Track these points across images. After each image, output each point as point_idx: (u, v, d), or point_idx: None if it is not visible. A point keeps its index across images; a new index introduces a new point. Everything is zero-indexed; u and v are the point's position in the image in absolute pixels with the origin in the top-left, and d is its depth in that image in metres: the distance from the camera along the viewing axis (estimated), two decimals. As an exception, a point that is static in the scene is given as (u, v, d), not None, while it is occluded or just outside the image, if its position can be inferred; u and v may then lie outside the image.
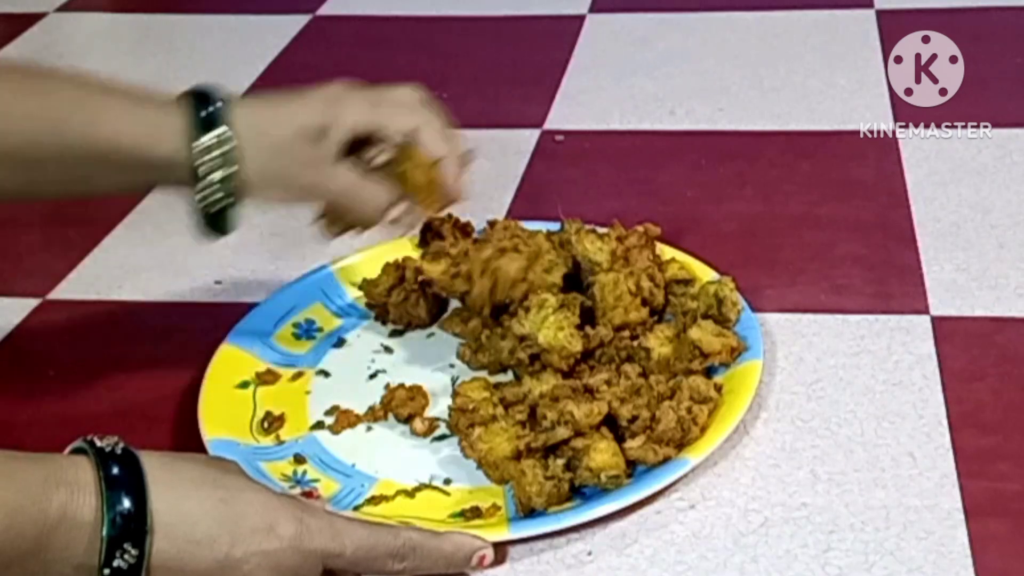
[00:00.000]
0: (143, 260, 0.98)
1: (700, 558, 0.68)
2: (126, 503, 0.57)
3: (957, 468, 0.73)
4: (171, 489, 0.59)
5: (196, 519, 0.59)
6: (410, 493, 0.73)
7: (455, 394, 0.76)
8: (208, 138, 0.72)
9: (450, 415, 0.76)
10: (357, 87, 0.79)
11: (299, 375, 0.83)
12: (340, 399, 0.81)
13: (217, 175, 0.72)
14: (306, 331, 0.87)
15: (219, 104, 0.73)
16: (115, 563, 0.57)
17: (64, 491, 0.57)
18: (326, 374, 0.84)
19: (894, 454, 0.74)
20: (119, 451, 0.59)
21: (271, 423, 0.79)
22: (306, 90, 0.77)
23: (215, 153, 0.72)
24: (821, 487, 0.72)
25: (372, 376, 0.83)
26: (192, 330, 0.89)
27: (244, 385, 0.81)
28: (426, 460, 0.76)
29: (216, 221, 0.74)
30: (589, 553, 0.69)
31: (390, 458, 0.76)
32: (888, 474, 0.73)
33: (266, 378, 0.82)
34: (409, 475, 0.75)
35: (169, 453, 0.62)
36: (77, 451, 0.60)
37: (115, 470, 0.58)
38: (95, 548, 0.57)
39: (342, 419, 0.79)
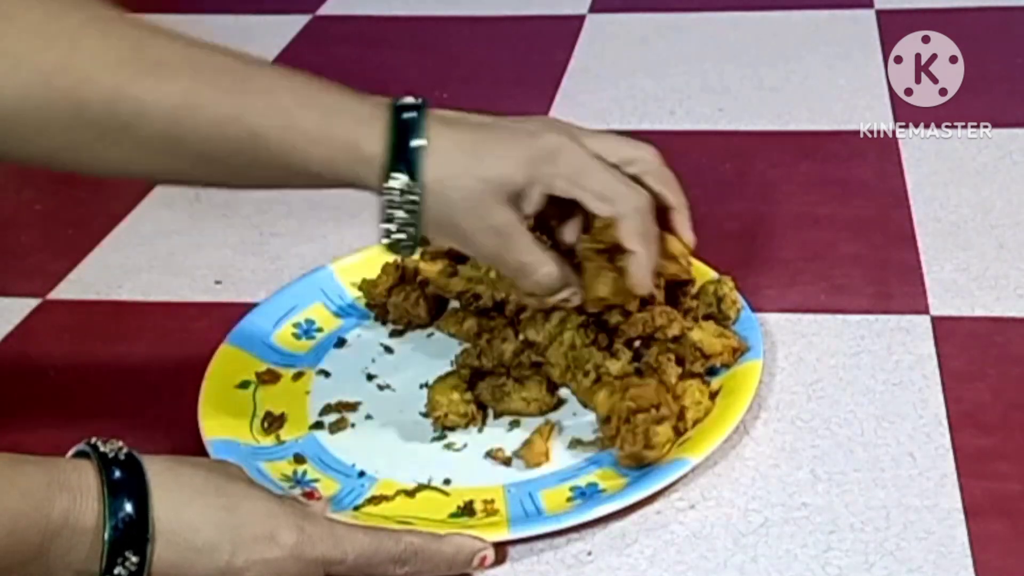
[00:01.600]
0: (143, 260, 0.98)
1: (700, 558, 0.68)
2: (128, 509, 0.57)
3: (957, 468, 0.73)
4: (173, 495, 0.59)
5: (198, 526, 0.59)
6: (410, 493, 0.73)
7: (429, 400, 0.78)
8: (398, 183, 0.67)
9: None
10: (574, 135, 0.70)
11: (299, 375, 0.83)
12: (340, 399, 0.81)
13: (400, 216, 0.68)
14: (306, 331, 0.87)
15: (416, 139, 0.67)
16: (116, 570, 0.57)
17: (67, 496, 0.57)
18: (326, 374, 0.84)
19: (894, 454, 0.74)
20: (122, 456, 0.59)
21: (271, 423, 0.79)
22: (516, 128, 0.70)
23: (401, 199, 0.67)
24: (821, 487, 0.72)
25: (371, 377, 0.83)
26: (192, 330, 0.89)
27: (244, 385, 0.81)
28: (426, 460, 0.76)
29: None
30: (589, 553, 0.69)
31: (390, 458, 0.76)
32: (888, 474, 0.73)
33: (266, 378, 0.82)
34: (409, 475, 0.75)
35: (172, 457, 0.62)
36: (80, 454, 0.60)
37: (118, 475, 0.58)
38: (97, 554, 0.57)
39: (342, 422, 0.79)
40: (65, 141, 0.66)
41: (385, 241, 0.69)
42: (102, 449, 0.59)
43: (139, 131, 0.65)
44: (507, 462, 0.75)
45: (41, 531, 0.56)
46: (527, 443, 0.75)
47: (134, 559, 0.57)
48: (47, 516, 0.56)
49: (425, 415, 0.79)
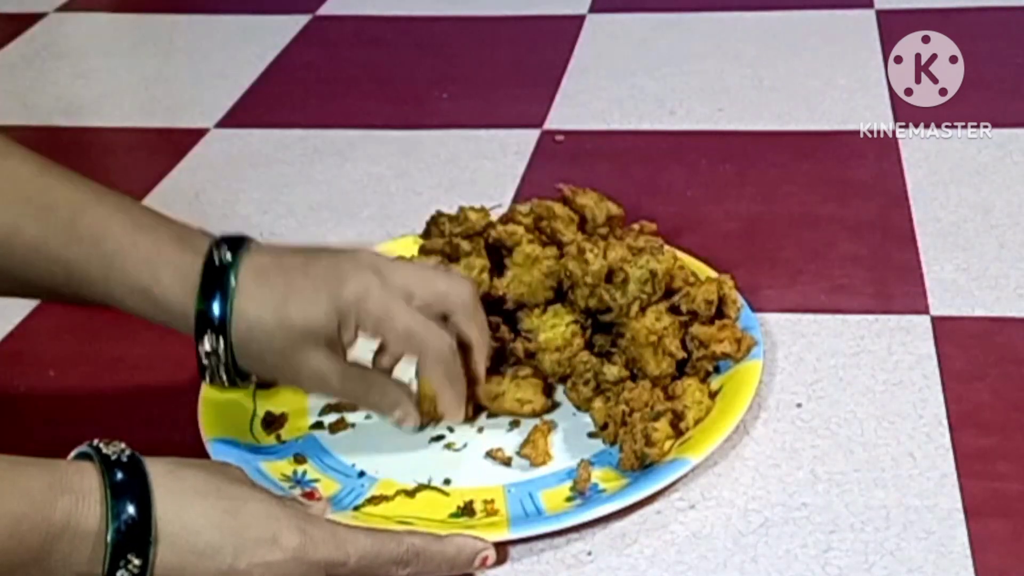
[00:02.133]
0: (143, 260, 0.98)
1: (700, 558, 0.68)
2: (131, 511, 0.57)
3: (957, 468, 0.73)
4: (175, 498, 0.59)
5: (200, 529, 0.59)
6: (410, 493, 0.73)
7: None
8: (209, 342, 0.71)
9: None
10: (384, 275, 0.73)
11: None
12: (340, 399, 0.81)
13: (218, 372, 0.73)
14: (306, 331, 0.87)
15: (225, 296, 0.70)
16: (119, 573, 0.57)
17: (69, 498, 0.57)
18: (326, 374, 0.83)
19: (894, 454, 0.74)
20: (124, 458, 0.59)
21: (271, 423, 0.79)
22: (326, 273, 0.72)
23: (214, 357, 0.72)
24: (821, 487, 0.72)
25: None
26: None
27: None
28: (426, 460, 0.76)
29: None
30: (589, 553, 0.69)
31: (390, 458, 0.76)
32: (888, 474, 0.73)
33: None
34: (409, 475, 0.75)
35: (174, 459, 0.62)
36: (82, 455, 0.60)
37: (120, 477, 0.58)
38: (99, 557, 0.57)
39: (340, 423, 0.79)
40: None
41: (207, 382, 0.74)
42: (104, 451, 0.59)
43: None
44: (507, 462, 0.75)
45: (43, 533, 0.56)
46: (530, 442, 0.75)
47: (136, 561, 0.57)
48: (49, 518, 0.56)
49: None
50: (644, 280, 0.78)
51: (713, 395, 0.77)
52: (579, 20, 1.37)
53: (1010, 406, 0.78)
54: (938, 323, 0.85)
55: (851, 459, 0.74)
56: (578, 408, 0.79)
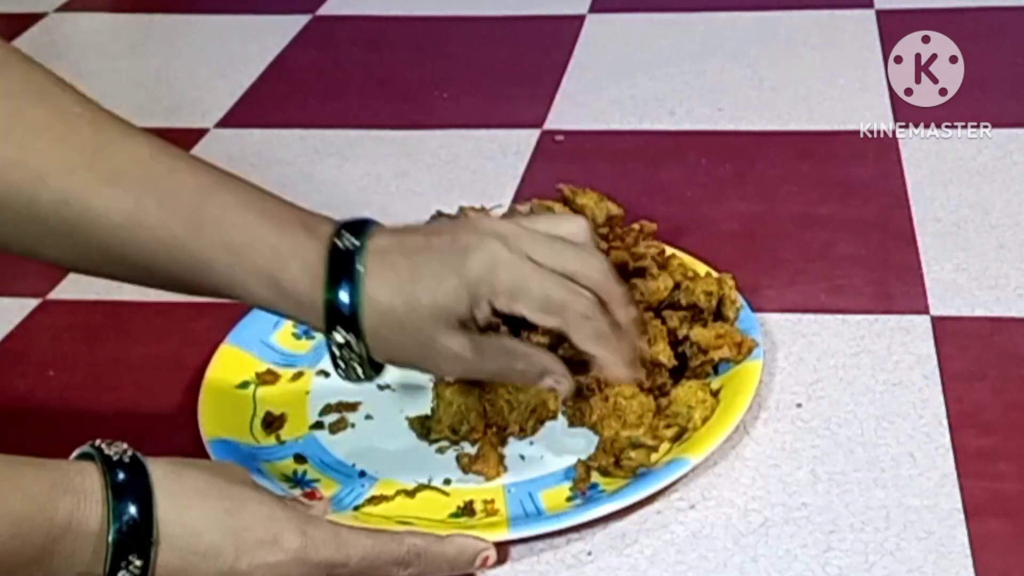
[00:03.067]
0: (143, 260, 0.98)
1: (700, 558, 0.68)
2: (132, 512, 0.57)
3: (957, 468, 0.73)
4: (177, 499, 0.59)
5: (201, 530, 0.59)
6: (410, 493, 0.73)
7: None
8: (340, 337, 0.67)
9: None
10: (511, 243, 0.67)
11: (299, 375, 0.83)
12: (340, 399, 0.81)
13: (352, 363, 0.69)
14: (306, 331, 0.87)
15: (353, 285, 0.66)
16: (120, 573, 0.57)
17: (71, 499, 0.56)
18: (326, 374, 0.83)
19: (894, 454, 0.74)
20: (126, 459, 0.59)
21: (271, 423, 0.79)
22: (451, 246, 0.67)
23: (347, 349, 0.68)
24: (821, 487, 0.72)
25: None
26: (192, 330, 0.89)
27: (244, 385, 0.81)
28: (426, 460, 0.76)
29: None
30: (589, 553, 0.69)
31: (390, 458, 0.76)
32: (888, 474, 0.73)
33: (266, 378, 0.82)
34: (409, 475, 0.75)
35: (176, 460, 0.62)
36: (84, 456, 0.60)
37: (121, 477, 0.58)
38: (100, 557, 0.57)
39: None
40: (16, 231, 0.67)
41: (343, 376, 0.70)
42: (106, 452, 0.59)
43: (85, 238, 0.66)
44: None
45: (44, 534, 0.56)
46: (480, 457, 0.75)
47: (138, 563, 0.57)
48: (51, 519, 0.56)
49: (428, 417, 0.78)
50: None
51: (714, 395, 0.77)
52: (579, 20, 1.37)
53: (1010, 406, 0.78)
54: (938, 323, 0.85)
55: (851, 459, 0.74)
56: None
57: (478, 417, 0.76)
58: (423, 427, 0.77)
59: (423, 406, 0.79)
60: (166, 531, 0.58)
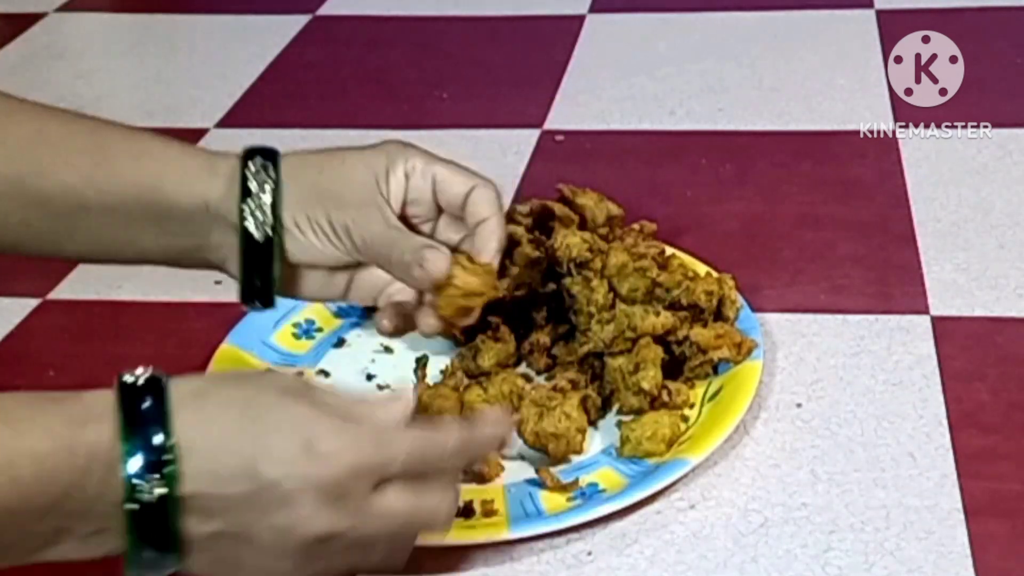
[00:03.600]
0: (143, 260, 0.98)
1: (700, 558, 0.68)
2: (150, 434, 0.55)
3: (957, 468, 0.73)
4: (198, 416, 0.57)
5: (226, 445, 0.56)
6: (410, 493, 0.73)
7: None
8: (258, 162, 0.72)
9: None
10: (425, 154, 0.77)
11: (299, 375, 0.83)
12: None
13: (266, 195, 0.72)
14: (306, 331, 0.87)
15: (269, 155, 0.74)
16: (140, 497, 0.55)
17: (92, 429, 0.55)
18: (326, 374, 0.84)
19: (894, 454, 0.74)
20: (143, 382, 0.58)
21: (271, 423, 0.79)
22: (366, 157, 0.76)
23: (264, 175, 0.72)
24: (821, 487, 0.72)
25: (370, 377, 0.83)
26: (192, 330, 0.89)
27: (244, 385, 0.81)
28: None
29: (261, 284, 0.75)
30: (589, 553, 0.69)
31: (390, 458, 0.76)
32: (888, 474, 0.73)
33: (266, 378, 0.82)
34: (409, 475, 0.74)
35: (203, 377, 0.61)
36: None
37: (140, 404, 0.56)
38: (123, 484, 0.55)
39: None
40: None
41: (248, 226, 0.73)
42: (124, 378, 0.58)
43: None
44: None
45: (69, 468, 0.54)
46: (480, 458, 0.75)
47: (159, 486, 0.55)
48: (73, 452, 0.54)
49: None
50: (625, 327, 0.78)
51: (714, 395, 0.77)
52: (579, 20, 1.37)
53: (1010, 406, 0.78)
54: (938, 323, 0.85)
55: (851, 459, 0.74)
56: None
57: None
58: None
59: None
60: (188, 450, 0.56)
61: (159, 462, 0.55)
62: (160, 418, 0.56)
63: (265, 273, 0.75)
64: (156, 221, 0.73)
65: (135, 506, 0.55)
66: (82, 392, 0.58)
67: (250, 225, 0.73)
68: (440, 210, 0.78)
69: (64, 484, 0.54)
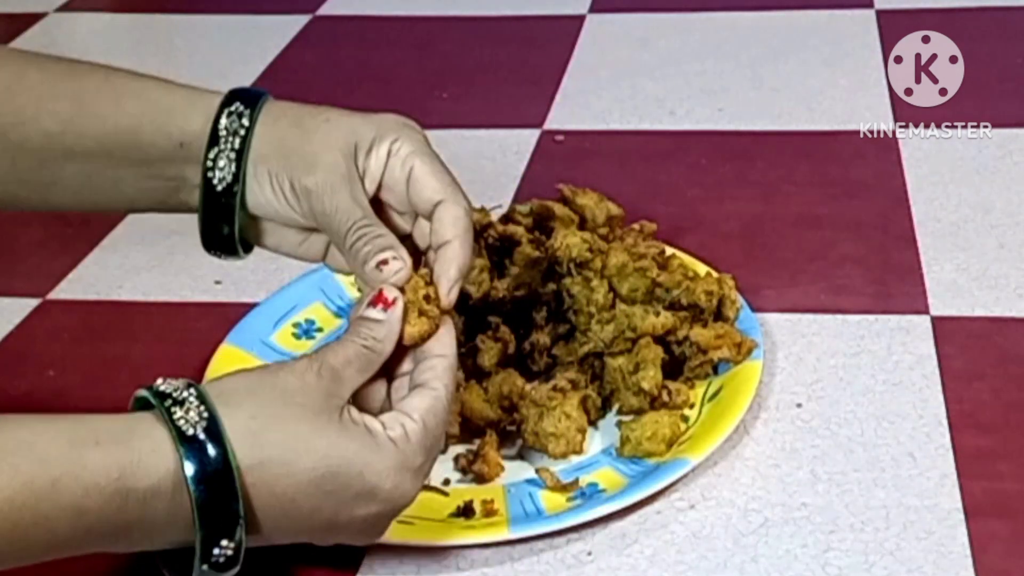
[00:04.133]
0: (143, 260, 0.98)
1: (700, 558, 0.68)
2: (215, 502, 0.55)
3: (957, 468, 0.73)
4: (263, 474, 0.57)
5: (295, 498, 0.58)
6: (410, 493, 0.73)
7: None
8: (236, 107, 0.68)
9: None
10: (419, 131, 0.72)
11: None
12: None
13: (234, 142, 0.68)
14: (306, 331, 0.87)
15: (252, 99, 0.69)
16: (213, 559, 0.56)
17: (142, 496, 0.55)
18: (326, 374, 0.83)
19: (894, 454, 0.74)
20: (203, 434, 0.56)
21: (271, 423, 0.79)
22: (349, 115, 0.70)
23: (237, 122, 0.68)
24: (821, 487, 0.72)
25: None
26: (192, 330, 0.89)
27: (244, 385, 0.81)
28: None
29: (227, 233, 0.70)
30: (589, 553, 0.69)
31: (390, 458, 0.76)
32: (888, 474, 0.73)
33: (266, 378, 0.82)
34: (409, 475, 0.74)
35: (257, 404, 0.58)
36: (148, 404, 0.58)
37: (200, 465, 0.55)
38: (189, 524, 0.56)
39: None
40: None
41: (211, 174, 0.69)
42: (180, 423, 0.56)
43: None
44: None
45: (112, 525, 0.55)
46: (480, 457, 0.75)
47: (230, 546, 0.56)
48: (119, 516, 0.54)
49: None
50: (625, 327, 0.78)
51: (714, 395, 0.77)
52: (579, 20, 1.37)
53: (1010, 406, 0.78)
54: (938, 323, 0.85)
55: (851, 459, 0.74)
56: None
57: (453, 420, 0.76)
58: None
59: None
60: (257, 504, 0.56)
61: (231, 533, 0.56)
62: (229, 490, 0.56)
63: (229, 223, 0.69)
64: (137, 164, 0.70)
65: (206, 567, 0.56)
66: (131, 435, 0.57)
67: (212, 173, 0.68)
68: None
69: (106, 533, 0.55)
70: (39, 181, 0.70)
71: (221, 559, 0.56)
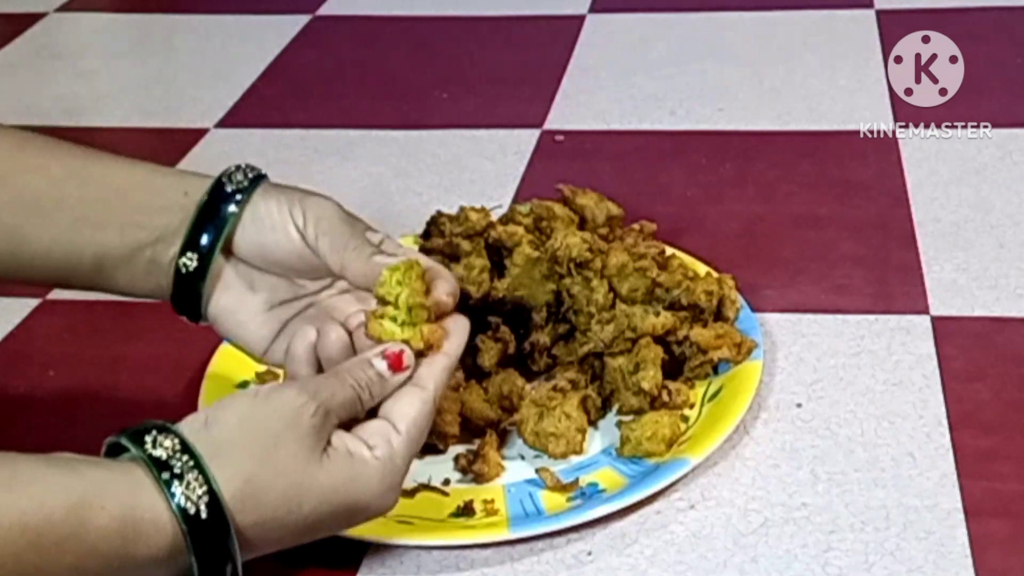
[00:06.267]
0: (143, 260, 0.98)
1: (700, 558, 0.68)
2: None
3: (957, 468, 0.73)
4: (256, 529, 0.59)
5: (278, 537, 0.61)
6: (410, 493, 0.73)
7: None
8: (234, 168, 0.71)
9: None
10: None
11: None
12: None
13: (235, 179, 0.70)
14: (306, 331, 0.87)
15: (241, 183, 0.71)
16: None
17: (143, 548, 0.56)
18: (326, 374, 0.83)
19: (894, 454, 0.74)
20: (202, 505, 0.57)
21: (271, 423, 0.79)
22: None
23: (241, 172, 0.71)
24: (821, 487, 0.72)
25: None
26: (192, 330, 0.89)
27: (244, 385, 0.81)
28: (425, 460, 0.76)
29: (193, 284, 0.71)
30: (589, 553, 0.69)
31: (390, 458, 0.76)
32: (888, 474, 0.73)
33: (266, 378, 0.82)
34: (409, 476, 0.74)
35: (247, 457, 0.59)
36: (141, 462, 0.58)
37: (204, 548, 0.57)
38: None
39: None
40: None
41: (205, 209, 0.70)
42: (184, 504, 0.57)
43: None
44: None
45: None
46: (480, 457, 0.75)
47: None
48: (123, 568, 0.56)
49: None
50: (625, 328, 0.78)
51: (714, 396, 0.77)
52: (579, 20, 1.37)
53: (1010, 406, 0.78)
54: (938, 323, 0.85)
55: (851, 459, 0.74)
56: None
57: (452, 422, 0.76)
58: None
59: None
60: (246, 547, 0.59)
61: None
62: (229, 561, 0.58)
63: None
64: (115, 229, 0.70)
65: None
66: (135, 510, 0.56)
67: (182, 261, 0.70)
68: None
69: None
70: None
71: None
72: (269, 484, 0.59)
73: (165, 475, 0.57)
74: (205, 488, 0.57)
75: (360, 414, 0.63)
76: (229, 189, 0.70)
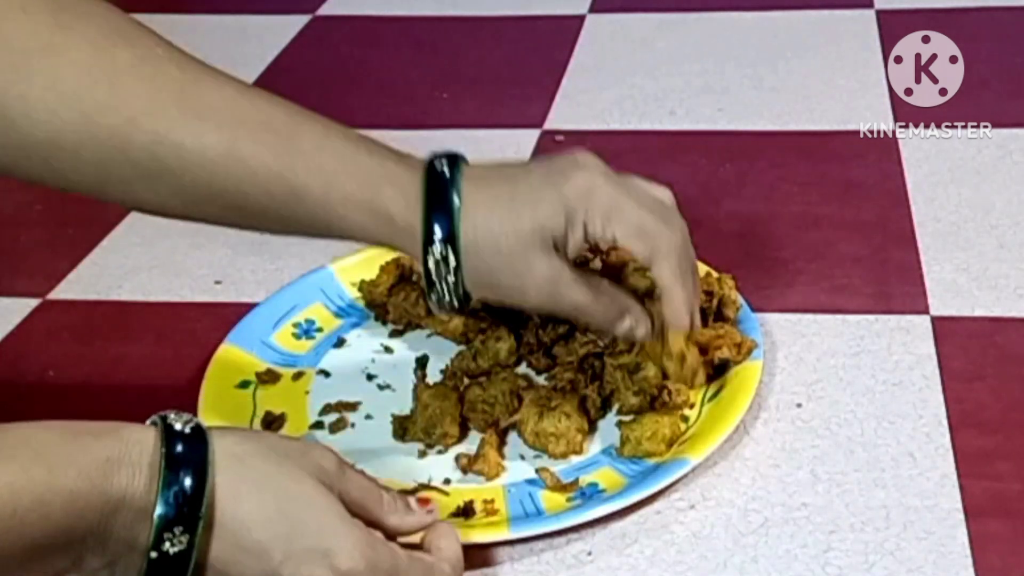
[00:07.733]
0: (143, 260, 0.98)
1: (700, 558, 0.68)
2: (185, 484, 0.56)
3: (957, 468, 0.73)
4: (233, 485, 0.58)
5: (251, 525, 0.58)
6: (410, 493, 0.73)
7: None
8: (436, 254, 0.68)
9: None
10: (605, 172, 0.70)
11: (299, 375, 0.83)
12: (340, 399, 0.81)
13: (443, 285, 0.69)
14: (306, 331, 0.87)
15: (450, 203, 0.68)
16: (164, 546, 0.56)
17: (126, 472, 0.56)
18: (326, 374, 0.84)
19: (894, 454, 0.74)
20: (188, 429, 0.58)
21: (271, 423, 0.79)
22: (547, 171, 0.70)
23: (441, 271, 0.69)
24: (821, 487, 0.72)
25: (371, 377, 0.83)
26: (192, 330, 0.89)
27: (244, 385, 0.81)
28: (426, 460, 0.76)
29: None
30: (589, 553, 0.69)
31: (390, 458, 0.76)
32: (888, 474, 0.73)
33: (266, 378, 0.82)
34: (409, 475, 0.75)
35: (245, 438, 0.60)
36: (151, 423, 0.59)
37: (179, 449, 0.57)
38: (149, 529, 0.56)
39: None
40: (107, 176, 0.66)
41: (433, 306, 0.72)
42: (170, 421, 0.58)
43: (179, 178, 0.66)
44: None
45: (99, 509, 0.55)
46: (480, 457, 0.75)
47: (183, 537, 0.56)
48: (105, 493, 0.55)
49: (407, 417, 0.78)
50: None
51: (713, 396, 0.77)
52: (579, 20, 1.37)
53: (1010, 406, 0.78)
54: (938, 323, 0.85)
55: (851, 459, 0.74)
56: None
57: (452, 422, 0.76)
58: (401, 427, 0.77)
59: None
60: (217, 515, 0.57)
61: (190, 523, 0.56)
62: (200, 479, 0.57)
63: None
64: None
65: (156, 555, 0.56)
66: (121, 427, 0.58)
67: (435, 299, 0.71)
68: None
69: (91, 522, 0.55)
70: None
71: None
72: (263, 455, 0.60)
73: (164, 413, 0.59)
74: (195, 422, 0.59)
75: (375, 511, 0.63)
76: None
